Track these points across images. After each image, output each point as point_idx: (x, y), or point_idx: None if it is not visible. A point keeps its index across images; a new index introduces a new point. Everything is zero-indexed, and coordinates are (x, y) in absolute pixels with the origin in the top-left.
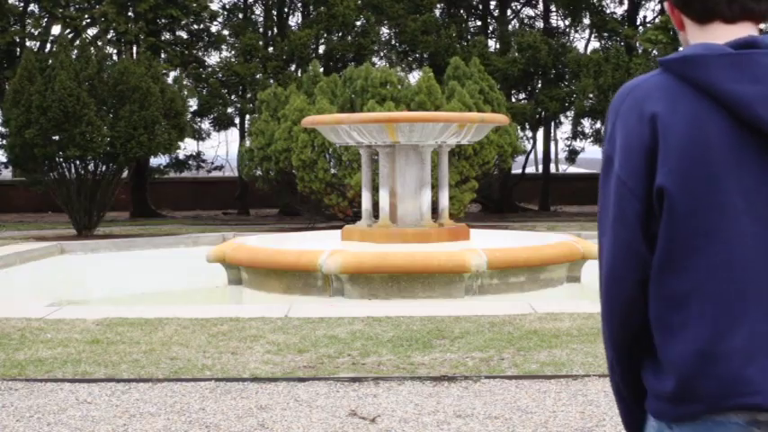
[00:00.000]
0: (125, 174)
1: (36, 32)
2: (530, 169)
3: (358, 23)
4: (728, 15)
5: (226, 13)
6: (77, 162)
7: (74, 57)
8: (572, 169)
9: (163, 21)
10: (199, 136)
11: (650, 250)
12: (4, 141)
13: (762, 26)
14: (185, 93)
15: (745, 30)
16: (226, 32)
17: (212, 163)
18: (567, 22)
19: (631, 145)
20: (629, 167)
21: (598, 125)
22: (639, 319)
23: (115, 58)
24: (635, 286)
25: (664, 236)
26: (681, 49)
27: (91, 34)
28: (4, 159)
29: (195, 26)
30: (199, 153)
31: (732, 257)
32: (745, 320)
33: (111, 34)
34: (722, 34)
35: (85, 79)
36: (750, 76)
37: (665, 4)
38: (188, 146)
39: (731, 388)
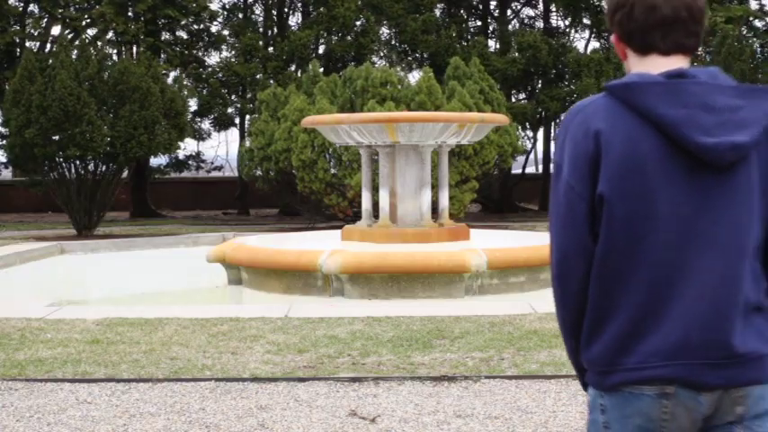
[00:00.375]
0: (125, 174)
1: (36, 33)
2: (530, 169)
3: (358, 23)
4: (663, 49)
5: (225, 13)
6: (77, 162)
7: (74, 57)
8: None
9: (162, 21)
10: (199, 136)
11: (595, 245)
12: (4, 141)
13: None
14: (185, 93)
15: (677, 62)
16: (226, 32)
17: (212, 163)
18: (567, 22)
19: (578, 155)
20: (576, 174)
21: None
22: (586, 304)
23: (115, 58)
24: (584, 277)
25: (604, 236)
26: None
27: (91, 34)
28: (4, 159)
29: (195, 26)
30: (198, 153)
31: (660, 259)
32: (665, 310)
33: (110, 35)
34: (658, 65)
35: (86, 79)
36: (678, 101)
37: (612, 37)
38: (188, 146)
39: (644, 363)
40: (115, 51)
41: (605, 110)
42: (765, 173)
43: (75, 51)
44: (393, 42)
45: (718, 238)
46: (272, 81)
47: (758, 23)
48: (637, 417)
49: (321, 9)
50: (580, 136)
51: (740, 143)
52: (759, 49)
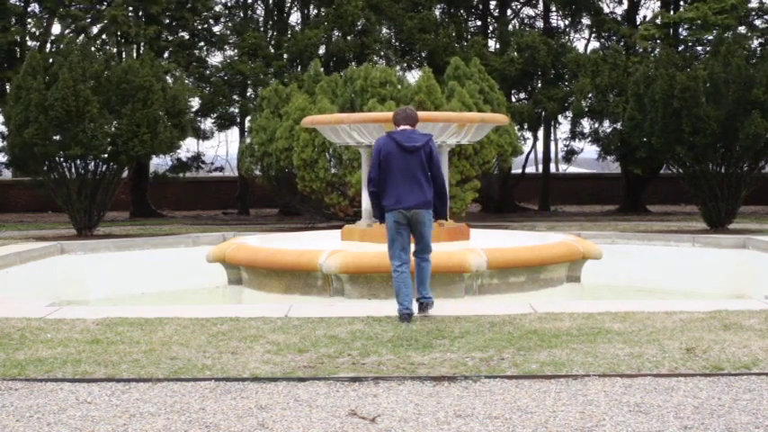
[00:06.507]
0: (125, 174)
1: (38, 32)
2: (529, 169)
3: (359, 23)
4: (403, 124)
5: (227, 11)
6: (78, 162)
7: (75, 53)
8: (572, 169)
9: (174, 23)
10: (200, 135)
11: (380, 175)
12: (4, 142)
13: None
14: (186, 95)
15: (405, 126)
16: (227, 32)
17: (212, 164)
18: (566, 22)
19: (378, 151)
20: (375, 155)
21: (597, 125)
22: (378, 190)
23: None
24: (378, 183)
25: (381, 171)
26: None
27: (94, 32)
28: (4, 160)
29: (198, 26)
30: (199, 155)
31: (395, 176)
32: (398, 193)
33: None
34: (400, 128)
35: (91, 76)
36: (403, 135)
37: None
38: (189, 146)
39: (395, 204)
40: (116, 50)
41: (384, 139)
42: (426, 156)
43: (77, 50)
44: (393, 42)
45: (410, 171)
46: (274, 80)
47: (758, 23)
48: (393, 219)
49: (328, 8)
50: (378, 146)
51: (417, 146)
52: (759, 49)
